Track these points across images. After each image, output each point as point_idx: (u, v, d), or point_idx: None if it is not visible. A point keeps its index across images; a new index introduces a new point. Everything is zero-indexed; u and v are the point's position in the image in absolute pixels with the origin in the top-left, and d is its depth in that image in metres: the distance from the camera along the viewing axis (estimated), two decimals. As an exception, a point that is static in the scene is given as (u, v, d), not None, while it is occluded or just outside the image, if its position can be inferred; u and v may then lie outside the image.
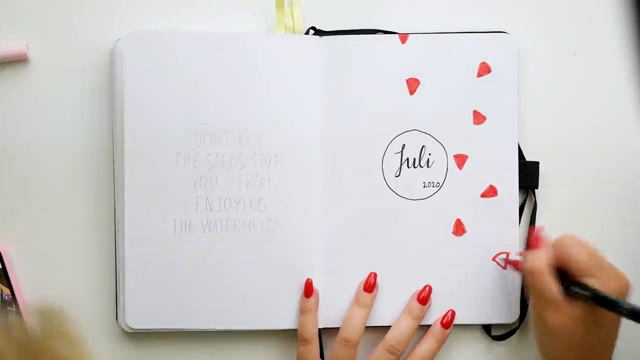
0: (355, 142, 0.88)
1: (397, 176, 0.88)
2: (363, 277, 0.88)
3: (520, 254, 0.87)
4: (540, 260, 0.80)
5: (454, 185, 0.88)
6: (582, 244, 0.81)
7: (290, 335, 0.89)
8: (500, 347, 0.90)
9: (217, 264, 0.87)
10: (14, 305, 0.87)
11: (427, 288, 0.87)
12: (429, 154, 0.88)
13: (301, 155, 0.88)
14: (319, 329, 0.88)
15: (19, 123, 0.89)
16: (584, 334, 0.79)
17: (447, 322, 0.87)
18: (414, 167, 0.89)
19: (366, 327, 0.87)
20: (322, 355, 0.88)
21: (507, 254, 0.88)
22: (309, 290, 0.87)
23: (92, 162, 0.89)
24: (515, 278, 0.89)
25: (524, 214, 0.90)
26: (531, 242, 0.84)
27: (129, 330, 0.87)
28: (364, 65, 0.88)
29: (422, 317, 0.87)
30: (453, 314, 0.87)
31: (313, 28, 0.89)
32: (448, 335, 0.88)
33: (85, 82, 0.89)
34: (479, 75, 0.88)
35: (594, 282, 0.78)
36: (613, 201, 0.91)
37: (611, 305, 0.76)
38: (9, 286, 0.87)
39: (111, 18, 0.89)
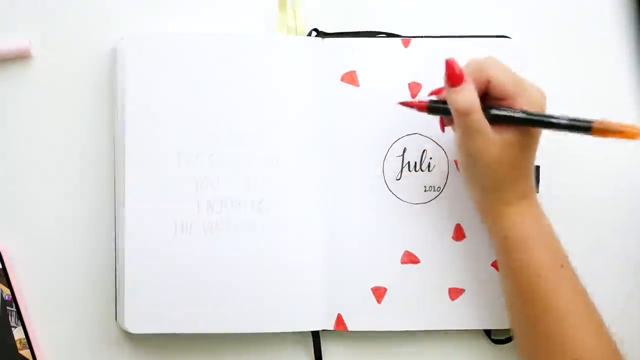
0: (356, 145, 0.88)
1: (398, 179, 0.88)
2: (364, 281, 0.88)
3: (434, 93, 0.84)
4: (470, 98, 0.78)
5: (454, 190, 0.88)
6: (502, 66, 0.79)
7: (290, 339, 0.90)
8: (501, 351, 0.90)
9: (218, 265, 0.87)
10: (14, 305, 0.87)
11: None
12: (430, 158, 0.88)
13: (302, 157, 0.88)
14: (317, 332, 0.89)
15: (21, 120, 0.89)
16: (513, 159, 0.79)
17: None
18: (415, 170, 0.89)
19: (371, 331, 0.88)
20: (319, 358, 0.89)
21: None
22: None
23: (93, 162, 0.89)
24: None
25: (524, 218, 0.90)
26: (451, 78, 0.78)
27: (129, 331, 0.87)
28: (365, 68, 0.88)
29: None
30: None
31: (315, 30, 0.89)
32: None
33: (88, 80, 0.89)
34: (481, 79, 0.88)
35: (519, 102, 0.78)
36: (615, 205, 0.91)
37: (546, 123, 0.76)
38: (9, 286, 0.87)
39: (114, 17, 0.89)
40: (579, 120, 0.75)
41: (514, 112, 0.78)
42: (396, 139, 0.88)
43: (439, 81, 0.87)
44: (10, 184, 0.89)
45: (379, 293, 0.88)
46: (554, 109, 0.90)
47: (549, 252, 0.80)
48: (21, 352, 0.87)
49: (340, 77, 0.88)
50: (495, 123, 0.78)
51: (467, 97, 0.78)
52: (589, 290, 0.82)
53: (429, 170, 0.89)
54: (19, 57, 0.89)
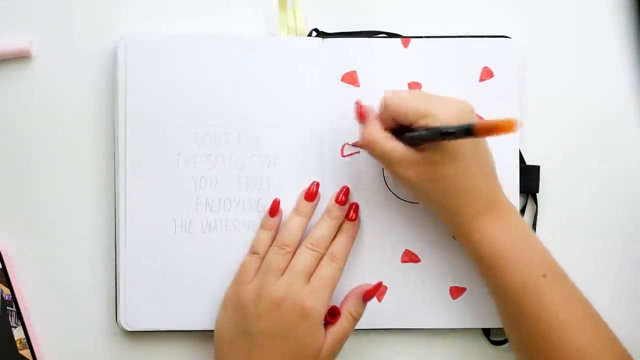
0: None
1: (398, 179, 0.89)
2: (363, 281, 0.88)
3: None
4: (371, 129, 0.81)
5: (454, 189, 0.88)
6: (401, 94, 0.81)
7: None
8: (499, 351, 0.90)
9: (217, 264, 0.87)
10: (14, 305, 0.87)
11: (345, 189, 0.87)
12: None
13: (300, 156, 0.88)
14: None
15: (21, 120, 0.88)
16: (450, 171, 0.80)
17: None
18: (415, 170, 0.89)
19: (372, 329, 0.88)
20: None
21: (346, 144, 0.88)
22: (274, 209, 0.87)
23: (92, 162, 0.89)
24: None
25: (524, 218, 0.90)
26: (359, 117, 0.83)
27: (129, 329, 0.87)
28: (365, 68, 0.88)
29: (341, 217, 0.87)
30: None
31: (316, 30, 0.89)
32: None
33: (88, 80, 0.89)
34: (481, 79, 0.88)
35: (427, 122, 0.79)
36: (614, 205, 0.91)
37: (441, 135, 0.77)
38: (9, 286, 0.87)
39: (114, 17, 0.89)
40: (464, 126, 0.75)
41: (415, 133, 0.79)
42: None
43: (439, 81, 0.88)
44: (10, 184, 0.89)
45: (379, 292, 0.88)
46: (554, 109, 0.90)
47: (525, 265, 0.80)
48: (21, 352, 0.87)
49: (340, 77, 0.88)
50: (413, 146, 0.80)
51: (369, 129, 0.82)
52: (588, 290, 0.82)
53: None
54: (19, 57, 0.89)
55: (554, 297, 0.80)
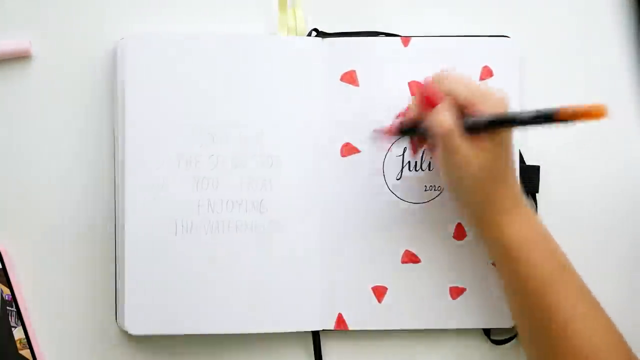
0: (356, 145, 0.88)
1: (399, 179, 0.89)
2: (364, 281, 0.88)
3: (400, 115, 0.86)
4: (450, 118, 0.78)
5: (455, 189, 0.88)
6: (456, 77, 0.80)
7: (290, 339, 0.90)
8: (500, 351, 0.90)
9: (219, 266, 0.87)
10: (14, 305, 0.87)
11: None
12: (430, 158, 0.88)
13: (302, 157, 0.88)
14: (317, 331, 0.89)
15: (21, 120, 0.89)
16: (494, 166, 0.79)
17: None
18: (415, 170, 0.89)
19: (372, 329, 0.88)
20: (319, 358, 0.89)
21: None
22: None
23: (93, 162, 0.89)
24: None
25: (524, 218, 0.90)
26: (430, 99, 0.80)
27: (132, 333, 0.87)
28: (366, 68, 0.88)
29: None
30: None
31: (315, 30, 0.89)
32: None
33: (88, 80, 0.89)
34: (481, 79, 0.88)
35: (480, 109, 0.78)
36: (614, 205, 0.91)
37: (516, 120, 0.77)
38: (9, 286, 0.87)
39: (114, 17, 0.89)
40: (544, 110, 0.74)
41: (483, 117, 0.78)
42: (396, 139, 0.88)
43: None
44: (10, 184, 0.89)
45: (379, 292, 0.88)
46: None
47: (549, 257, 0.81)
48: (21, 352, 0.87)
49: (340, 77, 0.88)
50: (468, 134, 0.79)
51: (447, 117, 0.79)
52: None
53: (429, 170, 0.89)
54: (19, 57, 0.89)
55: (572, 291, 0.80)
